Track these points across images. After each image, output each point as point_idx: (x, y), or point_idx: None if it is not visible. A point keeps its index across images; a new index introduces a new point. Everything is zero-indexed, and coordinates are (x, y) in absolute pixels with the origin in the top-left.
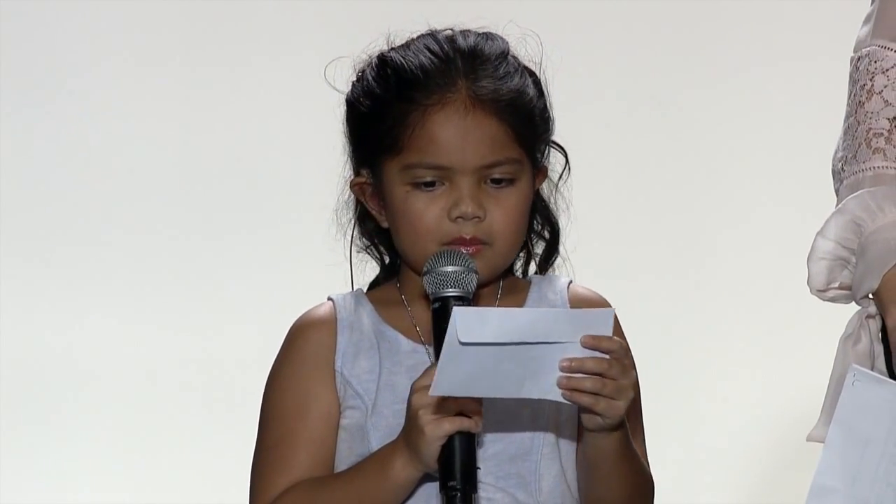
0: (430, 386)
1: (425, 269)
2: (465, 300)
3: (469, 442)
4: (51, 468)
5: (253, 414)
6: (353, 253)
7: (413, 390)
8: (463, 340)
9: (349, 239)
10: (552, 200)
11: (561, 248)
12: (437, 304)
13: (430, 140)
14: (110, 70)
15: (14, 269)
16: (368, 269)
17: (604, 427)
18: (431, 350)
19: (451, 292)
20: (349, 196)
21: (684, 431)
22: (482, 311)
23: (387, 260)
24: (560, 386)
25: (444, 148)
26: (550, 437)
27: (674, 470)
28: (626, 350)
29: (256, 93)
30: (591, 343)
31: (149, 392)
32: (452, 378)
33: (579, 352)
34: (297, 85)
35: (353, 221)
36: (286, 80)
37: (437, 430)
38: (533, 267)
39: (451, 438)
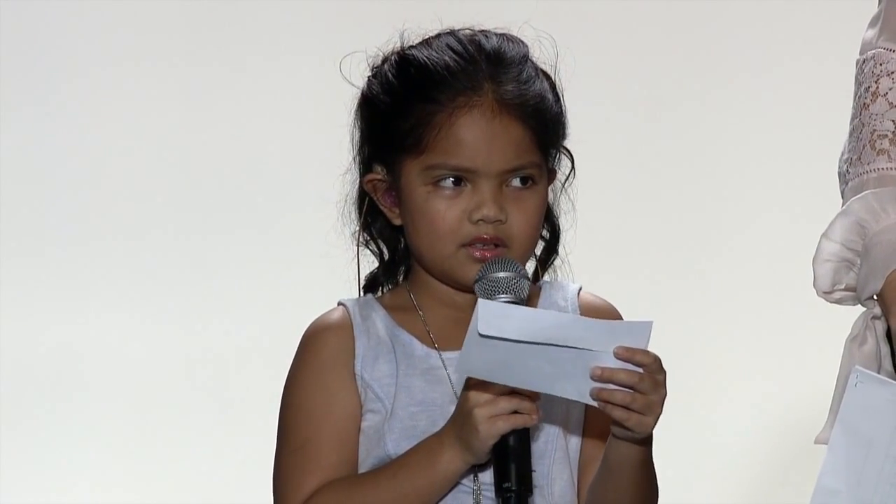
0: (484, 382)
1: (477, 276)
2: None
3: (524, 442)
4: (49, 467)
5: (253, 412)
6: (354, 247)
7: (469, 386)
8: (482, 332)
9: (356, 234)
10: (556, 203)
11: (560, 250)
12: None
13: (456, 142)
14: (110, 69)
15: (14, 268)
16: (373, 266)
17: (631, 439)
18: (444, 356)
19: (504, 298)
20: (357, 191)
21: (690, 433)
22: (507, 307)
23: (386, 257)
24: (592, 396)
25: (470, 151)
26: (561, 441)
27: (679, 471)
28: (660, 365)
29: (256, 92)
30: (625, 355)
31: (148, 391)
32: (476, 363)
33: (612, 361)
34: (297, 84)
35: (361, 216)
36: (286, 78)
37: (492, 428)
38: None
39: (505, 438)
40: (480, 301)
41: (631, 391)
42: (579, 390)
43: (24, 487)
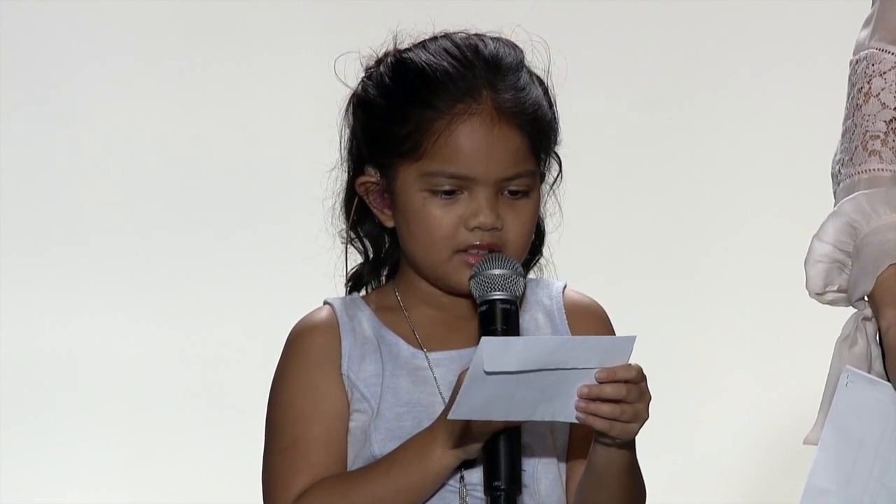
0: None
1: (473, 272)
2: (510, 303)
3: (514, 440)
4: (46, 468)
5: (249, 413)
6: (339, 245)
7: (461, 384)
8: (488, 370)
9: (342, 232)
10: (542, 204)
11: (545, 251)
12: (483, 308)
13: (454, 150)
14: (107, 69)
15: (11, 269)
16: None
17: (613, 444)
18: (430, 356)
19: (498, 295)
20: (346, 191)
21: (680, 435)
22: (508, 340)
23: (371, 255)
24: (578, 410)
25: (469, 158)
26: (548, 440)
27: (670, 473)
28: (641, 374)
29: (251, 93)
30: (606, 377)
31: (144, 392)
32: (472, 403)
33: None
34: (290, 85)
35: (350, 216)
36: (279, 80)
37: (485, 426)
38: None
39: (495, 435)
40: (483, 340)
41: (618, 404)
42: (561, 410)
43: (19, 489)
